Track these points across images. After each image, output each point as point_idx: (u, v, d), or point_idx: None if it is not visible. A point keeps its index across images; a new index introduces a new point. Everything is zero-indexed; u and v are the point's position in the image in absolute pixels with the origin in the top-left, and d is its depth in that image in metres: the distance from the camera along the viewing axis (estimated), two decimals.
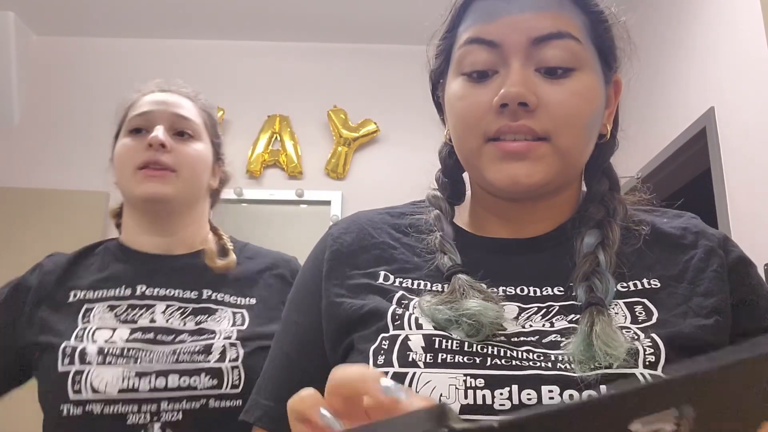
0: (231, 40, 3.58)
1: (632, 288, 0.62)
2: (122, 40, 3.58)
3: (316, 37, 3.54)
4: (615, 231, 0.64)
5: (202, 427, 0.89)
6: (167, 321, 0.97)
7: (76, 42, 3.59)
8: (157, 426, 0.87)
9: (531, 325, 0.59)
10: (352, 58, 3.57)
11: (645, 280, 0.62)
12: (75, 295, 0.98)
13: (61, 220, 3.05)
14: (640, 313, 0.59)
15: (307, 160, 3.43)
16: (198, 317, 0.99)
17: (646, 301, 0.60)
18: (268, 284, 1.07)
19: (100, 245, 1.08)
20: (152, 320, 0.96)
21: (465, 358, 0.54)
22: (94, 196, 3.16)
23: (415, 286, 0.64)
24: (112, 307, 0.97)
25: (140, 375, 0.89)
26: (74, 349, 0.90)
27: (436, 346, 0.56)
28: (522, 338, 0.57)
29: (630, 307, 0.60)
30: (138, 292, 0.99)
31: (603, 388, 0.51)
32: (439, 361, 0.54)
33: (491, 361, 0.54)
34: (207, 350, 0.93)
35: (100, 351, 0.90)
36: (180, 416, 0.88)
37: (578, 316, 0.58)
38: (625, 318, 0.58)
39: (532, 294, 0.62)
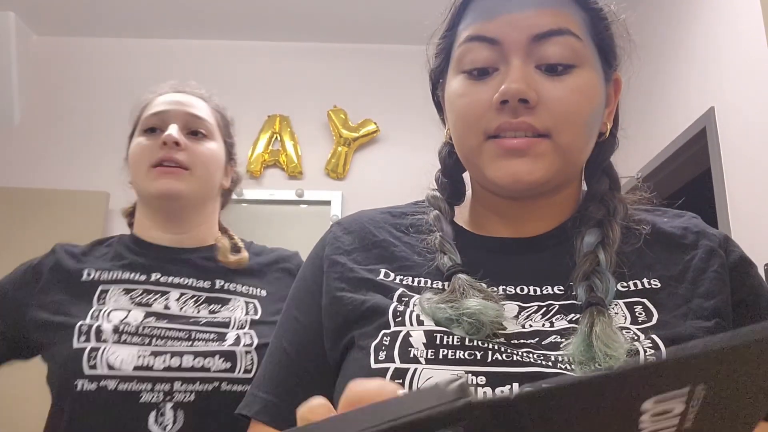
0: (231, 40, 3.58)
1: (632, 288, 0.61)
2: (122, 40, 3.58)
3: (316, 37, 3.54)
4: (615, 230, 0.64)
5: (214, 410, 0.90)
6: (181, 309, 0.99)
7: (76, 42, 3.59)
8: (169, 406, 0.88)
9: (531, 325, 0.59)
10: (352, 58, 3.57)
11: (645, 280, 0.62)
12: (89, 275, 1.00)
13: (61, 220, 3.05)
14: (640, 313, 0.59)
15: (307, 160, 3.43)
16: (211, 306, 1.01)
17: (646, 301, 0.60)
18: (275, 277, 1.09)
19: (111, 238, 1.10)
20: (166, 306, 0.98)
21: (466, 354, 0.54)
22: (94, 196, 3.16)
23: (415, 284, 0.64)
24: (127, 291, 0.99)
25: (155, 354, 0.90)
26: (90, 327, 0.91)
27: (438, 342, 0.56)
28: (522, 340, 0.57)
29: (630, 307, 0.59)
30: (153, 279, 1.01)
31: None
32: (441, 357, 0.55)
33: (492, 356, 0.54)
34: (221, 337, 0.95)
35: (116, 329, 0.91)
36: (192, 397, 0.89)
37: (578, 315, 0.58)
38: (625, 318, 0.58)
39: (532, 293, 0.62)
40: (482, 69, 0.63)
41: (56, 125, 3.44)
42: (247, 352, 0.94)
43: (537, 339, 0.57)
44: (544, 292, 0.62)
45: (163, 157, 1.01)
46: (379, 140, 3.46)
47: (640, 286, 0.61)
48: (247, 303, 1.03)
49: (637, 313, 0.59)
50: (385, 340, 0.57)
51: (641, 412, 0.26)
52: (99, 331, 0.91)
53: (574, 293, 0.61)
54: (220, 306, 1.01)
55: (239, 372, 0.92)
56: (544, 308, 0.60)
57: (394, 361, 0.55)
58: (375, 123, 3.43)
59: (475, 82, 0.63)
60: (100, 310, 0.95)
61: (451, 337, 0.56)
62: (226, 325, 0.98)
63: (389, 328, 0.58)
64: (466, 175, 0.74)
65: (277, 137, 3.43)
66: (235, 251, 1.09)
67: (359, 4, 3.27)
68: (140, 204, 1.10)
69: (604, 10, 0.66)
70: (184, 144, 1.02)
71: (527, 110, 0.60)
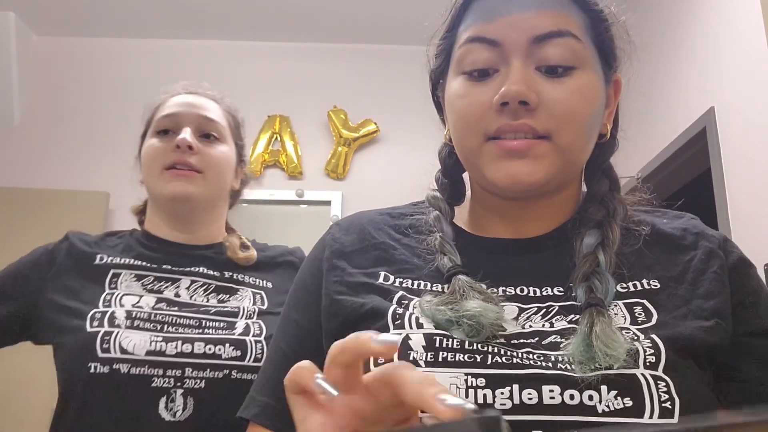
0: (231, 40, 3.58)
1: (632, 289, 0.62)
2: (122, 40, 3.58)
3: (316, 37, 3.54)
4: (615, 231, 0.64)
5: (223, 398, 0.91)
6: (191, 297, 1.01)
7: (76, 42, 3.59)
8: (179, 392, 0.90)
9: (531, 326, 0.59)
10: (352, 58, 3.57)
11: (645, 281, 0.62)
12: (102, 259, 1.03)
13: (61, 220, 3.04)
14: (640, 314, 0.59)
15: (307, 160, 3.43)
16: (220, 295, 1.04)
17: (645, 302, 0.60)
18: (280, 271, 1.12)
19: (123, 231, 1.13)
20: (177, 294, 1.01)
21: (465, 357, 0.54)
22: (94, 196, 3.16)
23: (415, 286, 0.64)
24: (139, 277, 1.01)
25: (167, 340, 0.92)
26: (103, 313, 0.93)
27: (437, 344, 0.56)
28: (522, 340, 0.57)
29: (629, 308, 0.60)
30: (164, 267, 1.04)
31: (603, 388, 0.51)
32: (440, 359, 0.54)
33: (492, 359, 0.54)
34: (231, 325, 0.97)
35: (128, 315, 0.93)
36: (203, 384, 0.91)
37: (578, 316, 0.58)
38: (625, 319, 0.58)
39: (531, 294, 0.62)
40: (482, 70, 0.63)
41: (56, 125, 3.44)
42: (257, 342, 0.96)
43: (537, 339, 0.57)
44: (544, 293, 0.62)
45: (176, 160, 1.03)
46: (379, 140, 3.46)
47: (639, 287, 0.62)
48: (254, 294, 1.06)
49: (636, 314, 0.59)
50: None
51: None
52: (112, 317, 0.93)
53: (573, 294, 0.61)
54: (228, 296, 1.04)
55: (249, 360, 0.93)
56: (544, 309, 0.60)
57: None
58: (375, 123, 3.43)
59: (475, 83, 0.63)
60: (112, 294, 0.97)
61: (450, 339, 0.56)
62: (235, 314, 1.00)
63: (388, 331, 0.58)
64: (465, 176, 0.74)
65: (277, 137, 3.43)
66: (243, 248, 1.11)
67: (359, 4, 3.27)
68: (151, 203, 1.12)
69: (605, 12, 0.66)
70: (197, 148, 1.04)
71: (527, 112, 0.60)
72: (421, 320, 0.58)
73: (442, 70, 0.70)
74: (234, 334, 0.96)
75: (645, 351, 0.54)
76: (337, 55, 3.57)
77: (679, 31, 2.55)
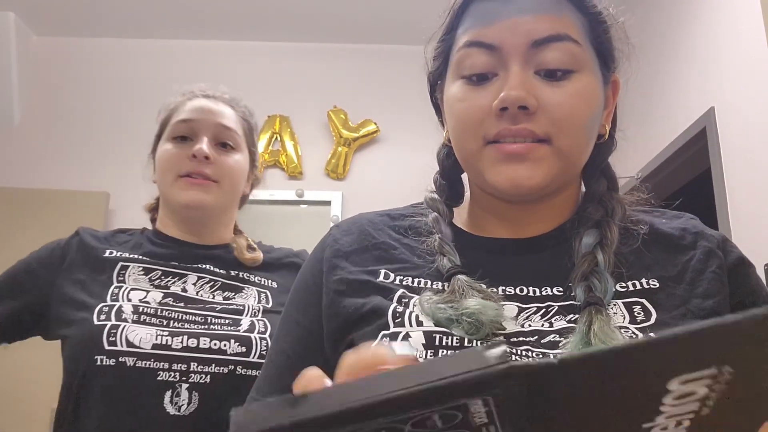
0: (231, 40, 3.58)
1: (631, 288, 0.62)
2: (122, 40, 3.58)
3: (316, 37, 3.55)
4: (613, 231, 0.64)
5: (228, 393, 0.92)
6: (197, 293, 1.03)
7: (76, 42, 3.59)
8: (185, 387, 0.91)
9: (530, 325, 0.59)
10: (352, 58, 3.57)
11: (644, 280, 0.62)
12: (111, 253, 1.04)
13: (61, 220, 3.04)
14: (639, 313, 0.59)
15: (307, 160, 3.43)
16: (226, 293, 1.05)
17: (644, 301, 0.60)
18: (285, 271, 1.14)
19: (134, 229, 1.14)
20: (184, 289, 1.02)
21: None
22: (94, 196, 3.16)
23: (415, 284, 0.64)
24: (146, 271, 1.03)
25: (173, 334, 0.93)
26: (110, 307, 0.95)
27: (437, 342, 0.56)
28: (521, 338, 0.57)
29: (629, 307, 0.60)
30: (172, 263, 1.06)
31: None
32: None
33: None
34: (236, 322, 0.99)
35: (135, 309, 0.95)
36: (208, 379, 0.92)
37: (577, 316, 0.58)
38: (624, 318, 0.58)
39: (531, 294, 0.62)
40: (481, 74, 0.63)
41: (56, 125, 3.44)
42: (261, 338, 0.97)
43: (536, 338, 0.57)
44: (543, 293, 0.62)
45: (193, 171, 1.04)
46: (379, 140, 3.46)
47: (638, 287, 0.62)
48: (259, 292, 1.08)
49: (635, 313, 0.59)
50: (385, 342, 0.57)
51: (666, 391, 0.26)
52: (120, 311, 0.94)
53: (573, 294, 0.61)
54: (234, 293, 1.05)
55: (254, 356, 0.94)
56: (543, 309, 0.60)
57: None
58: (375, 123, 3.43)
59: (474, 87, 0.63)
60: (120, 288, 0.98)
61: (450, 337, 0.56)
62: (240, 312, 1.01)
63: (389, 329, 0.59)
64: (464, 177, 0.74)
65: (277, 137, 3.43)
66: (250, 250, 1.13)
67: (359, 4, 3.27)
68: (163, 204, 1.13)
69: (603, 14, 0.66)
70: (213, 158, 1.05)
71: (527, 116, 0.60)
72: (421, 318, 0.59)
73: (441, 73, 0.70)
74: (239, 330, 0.97)
75: None
76: (337, 55, 3.57)
77: (679, 31, 2.55)
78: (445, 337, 0.56)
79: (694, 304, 0.59)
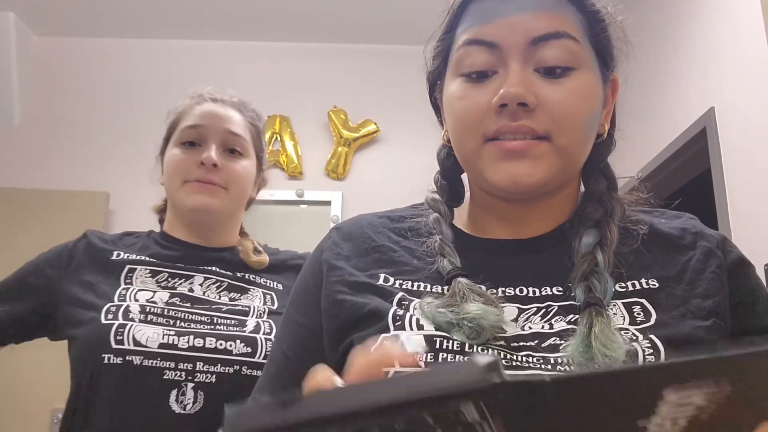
0: (231, 40, 3.58)
1: (630, 288, 0.62)
2: (122, 41, 3.58)
3: (316, 37, 3.54)
4: (613, 231, 0.64)
5: (233, 393, 0.92)
6: (204, 293, 1.04)
7: (76, 42, 3.59)
8: (190, 386, 0.92)
9: (530, 327, 0.59)
10: (352, 58, 3.57)
11: (643, 280, 0.62)
12: (119, 255, 1.06)
13: (61, 220, 3.04)
14: (639, 314, 0.59)
15: (307, 160, 3.43)
16: (232, 294, 1.06)
17: (644, 301, 0.60)
18: (290, 274, 1.15)
19: (140, 231, 1.16)
20: (190, 290, 1.03)
21: (465, 359, 0.54)
22: (94, 196, 3.16)
23: (415, 288, 0.64)
24: (153, 273, 1.04)
25: (179, 334, 0.94)
26: (118, 307, 0.96)
27: (437, 346, 0.56)
28: (521, 342, 0.57)
29: (628, 307, 0.60)
30: (179, 265, 1.07)
31: None
32: (440, 361, 0.55)
33: None
34: (242, 323, 1.00)
35: (143, 309, 0.96)
36: (213, 379, 0.93)
37: (577, 316, 0.58)
38: (624, 319, 0.58)
39: (531, 294, 0.62)
40: (481, 72, 0.63)
41: (56, 125, 3.44)
42: (267, 339, 0.98)
43: (536, 341, 0.57)
44: (543, 293, 0.62)
45: (201, 177, 1.05)
46: (379, 140, 3.46)
47: (638, 287, 0.62)
48: (264, 294, 1.09)
49: (635, 314, 0.59)
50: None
51: (662, 397, 0.27)
52: (127, 311, 0.95)
53: (572, 294, 0.61)
54: (239, 294, 1.07)
55: (259, 357, 0.95)
56: (543, 309, 0.60)
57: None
58: (375, 123, 3.43)
59: (474, 85, 0.63)
60: (127, 289, 1.00)
61: (450, 341, 0.56)
62: (245, 313, 1.02)
63: (389, 332, 0.58)
64: (464, 177, 0.74)
65: (277, 137, 3.43)
66: (256, 252, 1.14)
67: (359, 4, 3.27)
68: (171, 206, 1.14)
69: (602, 12, 0.66)
70: (221, 165, 1.06)
71: (526, 113, 0.60)
72: (421, 322, 0.59)
73: (440, 72, 0.70)
74: (245, 331, 0.98)
75: (644, 351, 0.54)
76: (337, 55, 3.57)
77: (679, 31, 2.55)
78: (445, 341, 0.56)
79: (694, 304, 0.59)
